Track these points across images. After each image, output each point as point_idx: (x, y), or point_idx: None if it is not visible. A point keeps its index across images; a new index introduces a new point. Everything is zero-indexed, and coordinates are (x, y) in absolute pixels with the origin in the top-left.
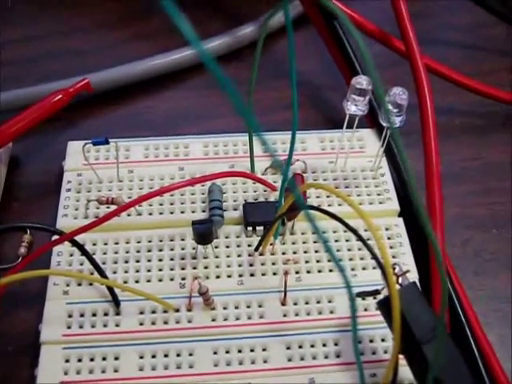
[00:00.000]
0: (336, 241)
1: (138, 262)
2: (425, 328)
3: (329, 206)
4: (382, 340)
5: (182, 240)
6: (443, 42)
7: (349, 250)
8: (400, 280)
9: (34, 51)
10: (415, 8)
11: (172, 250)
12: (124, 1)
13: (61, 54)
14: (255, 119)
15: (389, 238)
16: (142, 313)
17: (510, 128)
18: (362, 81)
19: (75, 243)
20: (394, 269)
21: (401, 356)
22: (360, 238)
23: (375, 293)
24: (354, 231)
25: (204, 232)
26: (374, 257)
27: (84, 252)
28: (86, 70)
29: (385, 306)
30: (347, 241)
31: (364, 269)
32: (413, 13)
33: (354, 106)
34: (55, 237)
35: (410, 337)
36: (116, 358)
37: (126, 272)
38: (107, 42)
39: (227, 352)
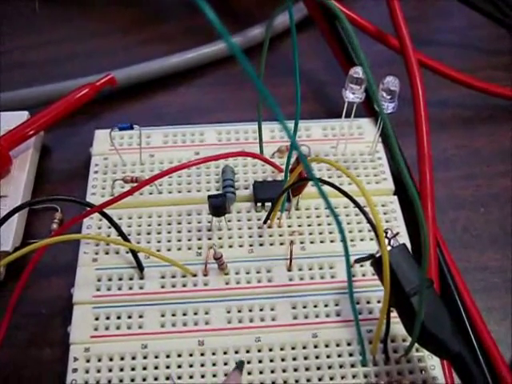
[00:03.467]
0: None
1: (159, 233)
2: (413, 283)
3: None
4: (378, 301)
5: (199, 215)
6: (438, 42)
7: (348, 223)
8: (391, 242)
9: (56, 54)
10: (411, 12)
11: (189, 223)
12: (137, 7)
13: (81, 56)
14: (277, 105)
15: (384, 214)
16: (163, 277)
17: (495, 119)
18: (358, 70)
19: (104, 214)
20: (387, 233)
21: (394, 315)
22: (356, 204)
23: (371, 257)
24: (351, 198)
25: (218, 204)
26: (367, 218)
27: (111, 222)
28: (102, 71)
29: (378, 265)
30: (347, 215)
31: (362, 240)
32: (409, 17)
33: (352, 94)
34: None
35: (400, 290)
36: (140, 316)
37: (148, 242)
38: (122, 45)
39: (239, 311)
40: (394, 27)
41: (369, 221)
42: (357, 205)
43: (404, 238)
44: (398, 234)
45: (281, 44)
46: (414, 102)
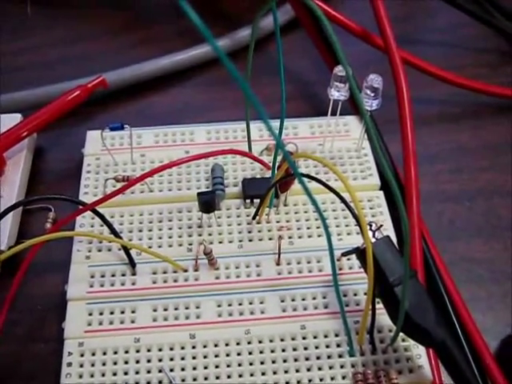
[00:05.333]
0: (324, 211)
1: (150, 231)
2: (397, 273)
3: None
4: (365, 294)
5: (189, 212)
6: (424, 41)
7: (335, 218)
8: (376, 234)
9: (48, 57)
10: (397, 12)
11: (180, 220)
12: (128, 10)
13: (72, 59)
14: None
15: (371, 208)
16: (154, 273)
17: (479, 115)
18: (342, 69)
19: (96, 212)
20: (371, 226)
21: (380, 306)
22: (339, 196)
23: (356, 250)
24: (335, 191)
25: (208, 201)
26: (351, 211)
27: (104, 220)
28: (95, 73)
29: (362, 256)
30: (334, 210)
31: (348, 234)
32: (395, 16)
33: (337, 92)
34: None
35: (384, 281)
36: (133, 311)
37: (140, 239)
38: (113, 48)
39: (229, 305)
40: (377, 26)
41: (352, 213)
42: (340, 197)
43: (389, 232)
44: (381, 226)
45: (268, 45)
46: (398, 99)
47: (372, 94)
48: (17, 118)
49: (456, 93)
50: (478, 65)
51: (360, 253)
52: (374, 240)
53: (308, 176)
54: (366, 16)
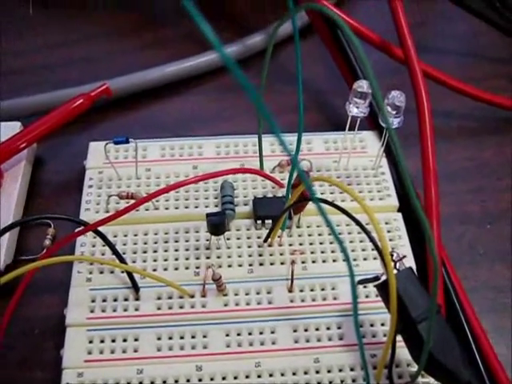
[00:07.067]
0: (339, 233)
1: (155, 252)
2: (420, 308)
3: None
4: (382, 324)
5: (197, 232)
6: (439, 50)
7: (351, 241)
8: (397, 265)
9: (50, 59)
10: (412, 18)
11: (187, 241)
12: (135, 11)
13: (76, 61)
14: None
15: (388, 232)
16: (159, 298)
17: (502, 131)
18: (362, 84)
19: (98, 233)
20: (392, 255)
21: (399, 338)
22: (359, 224)
23: (375, 279)
24: (354, 218)
25: (217, 223)
26: (373, 242)
27: (106, 241)
28: (100, 77)
29: (383, 289)
30: (349, 233)
31: (365, 259)
32: (410, 22)
33: (356, 108)
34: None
35: (407, 317)
36: (136, 339)
37: (144, 261)
38: (119, 51)
39: (238, 334)
40: (398, 37)
41: (374, 243)
42: (361, 227)
43: (409, 258)
44: (404, 257)
45: (279, 51)
46: (418, 115)
47: (394, 112)
48: (16, 126)
49: (476, 106)
50: (496, 76)
51: (380, 285)
52: (395, 271)
53: (324, 201)
54: (378, 18)
